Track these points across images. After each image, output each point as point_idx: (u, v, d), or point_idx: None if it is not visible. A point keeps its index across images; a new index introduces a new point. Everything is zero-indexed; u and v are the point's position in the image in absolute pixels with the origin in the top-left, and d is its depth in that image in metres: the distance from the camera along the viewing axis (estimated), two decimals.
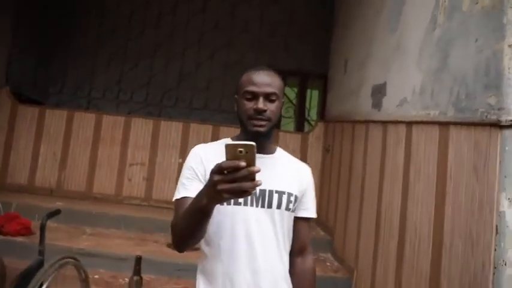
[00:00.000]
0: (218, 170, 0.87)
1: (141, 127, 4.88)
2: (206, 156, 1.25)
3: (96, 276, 3.26)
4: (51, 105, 5.32)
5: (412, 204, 2.36)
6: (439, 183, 2.08)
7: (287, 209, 1.26)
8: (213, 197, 0.91)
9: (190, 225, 1.06)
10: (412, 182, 2.38)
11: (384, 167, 2.84)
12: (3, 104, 4.91)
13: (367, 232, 3.04)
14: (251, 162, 0.85)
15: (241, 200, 1.20)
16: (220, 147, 1.19)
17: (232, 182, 0.85)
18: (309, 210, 1.36)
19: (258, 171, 0.86)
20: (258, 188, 1.16)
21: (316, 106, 6.11)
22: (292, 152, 4.58)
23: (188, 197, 1.17)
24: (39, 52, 5.41)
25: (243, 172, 0.85)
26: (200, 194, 0.97)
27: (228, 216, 1.22)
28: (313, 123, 5.74)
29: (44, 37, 5.46)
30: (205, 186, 0.94)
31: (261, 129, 1.21)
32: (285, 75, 6.02)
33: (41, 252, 2.12)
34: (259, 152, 1.21)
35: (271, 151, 1.32)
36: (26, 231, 3.53)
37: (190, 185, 1.21)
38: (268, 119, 1.22)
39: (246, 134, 1.24)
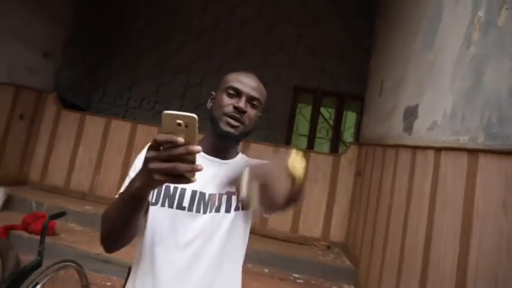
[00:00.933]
0: (153, 145, 0.73)
1: None
2: None
3: (109, 283, 3.26)
4: (91, 111, 5.56)
5: (436, 239, 2.12)
6: (465, 218, 1.84)
7: (236, 208, 1.11)
8: (144, 179, 0.75)
9: (119, 216, 0.90)
10: (438, 215, 2.14)
11: (410, 196, 2.61)
12: (49, 108, 5.21)
13: (390, 265, 2.79)
14: (191, 140, 0.71)
15: (185, 203, 1.06)
16: None
17: (167, 161, 0.71)
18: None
19: (198, 151, 0.72)
20: (207, 192, 1.09)
21: (353, 127, 5.88)
22: (323, 175, 4.44)
23: None
24: (86, 63, 5.72)
25: (180, 150, 0.70)
26: (134, 177, 0.82)
27: (166, 221, 1.06)
28: (348, 145, 5.52)
29: (92, 49, 5.78)
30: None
31: (233, 130, 1.11)
32: (322, 95, 5.91)
33: (40, 253, 2.13)
34: (219, 157, 1.16)
35: (231, 156, 1.22)
36: (51, 231, 3.62)
37: None
38: (243, 123, 1.12)
39: (214, 134, 1.15)
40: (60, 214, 2.22)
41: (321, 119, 5.83)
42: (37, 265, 2.02)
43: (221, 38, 5.22)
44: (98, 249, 3.67)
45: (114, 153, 5.03)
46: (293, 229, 4.66)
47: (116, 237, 0.96)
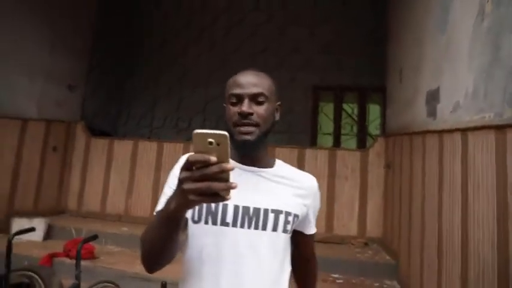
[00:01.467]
0: (186, 165, 0.72)
1: None
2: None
3: None
4: (118, 136, 5.73)
5: (472, 224, 2.02)
6: (500, 197, 1.76)
7: (284, 231, 1.07)
8: (180, 200, 0.75)
9: (158, 237, 0.89)
10: (472, 198, 2.05)
11: (442, 182, 2.51)
12: (79, 137, 5.41)
13: (430, 256, 2.68)
14: (224, 158, 0.70)
15: (229, 219, 1.03)
16: None
17: (200, 181, 0.70)
18: (312, 227, 1.21)
19: (231, 169, 0.71)
20: (251, 206, 1.04)
21: (379, 119, 5.75)
22: (352, 171, 4.36)
23: None
24: (108, 89, 5.91)
25: (213, 168, 0.69)
26: (169, 199, 0.81)
27: (211, 238, 1.03)
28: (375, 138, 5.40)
29: (112, 74, 5.97)
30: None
31: (248, 137, 1.02)
32: (342, 91, 5.83)
33: (77, 277, 2.20)
34: (253, 165, 1.09)
35: (267, 164, 1.12)
36: (90, 255, 3.74)
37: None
38: (256, 124, 1.03)
39: (234, 145, 1.06)
40: (93, 237, 2.29)
41: (344, 115, 5.75)
42: None
43: (234, 47, 5.27)
44: (136, 268, 3.75)
45: (144, 173, 5.14)
46: (328, 229, 4.59)
47: (156, 257, 0.96)
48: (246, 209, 1.04)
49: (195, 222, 1.05)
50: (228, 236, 1.03)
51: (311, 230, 1.20)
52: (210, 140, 0.69)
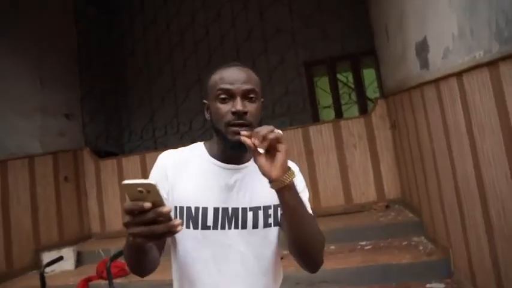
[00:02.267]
0: (125, 211, 0.73)
1: None
2: (173, 174, 1.07)
3: None
4: (125, 153, 5.78)
5: (485, 166, 2.03)
6: (506, 134, 1.75)
7: (266, 225, 1.04)
8: (133, 240, 0.77)
9: (132, 258, 0.93)
10: (479, 141, 2.05)
11: (447, 131, 2.51)
12: (87, 163, 5.47)
13: (450, 205, 2.69)
14: (158, 202, 0.71)
15: (210, 223, 1.02)
16: (190, 155, 1.10)
17: (143, 225, 0.72)
18: None
19: (168, 211, 0.72)
20: (230, 207, 1.03)
21: (375, 82, 5.71)
22: (359, 139, 4.36)
23: None
24: (105, 112, 5.95)
25: (149, 215, 0.71)
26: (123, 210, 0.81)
27: (195, 243, 1.02)
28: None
29: (106, 98, 6.01)
30: None
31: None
32: (334, 62, 5.78)
33: None
34: (235, 163, 1.06)
35: (246, 159, 1.08)
36: (123, 272, 3.81)
37: None
38: (250, 124, 0.98)
39: (225, 145, 1.03)
40: (119, 254, 2.34)
41: (340, 85, 5.72)
42: None
43: (217, 41, 5.25)
44: (170, 275, 3.82)
45: None
46: (347, 200, 4.61)
47: (139, 268, 0.98)
48: (225, 210, 1.03)
49: None
50: (210, 239, 1.02)
51: None
52: (139, 189, 0.70)
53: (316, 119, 5.88)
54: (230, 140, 0.98)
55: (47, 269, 4.53)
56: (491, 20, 1.71)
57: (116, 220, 5.33)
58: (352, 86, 5.84)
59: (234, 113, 0.97)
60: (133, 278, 3.80)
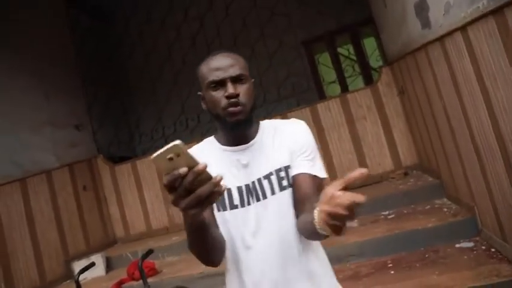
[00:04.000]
0: (167, 188, 0.73)
1: None
2: None
3: None
4: (138, 156, 5.83)
5: (501, 116, 1.99)
6: None
7: (282, 188, 1.07)
8: (186, 216, 0.80)
9: (195, 242, 0.97)
10: (492, 91, 2.01)
11: (458, 87, 2.46)
12: (103, 170, 5.54)
13: (470, 161, 2.66)
14: (192, 162, 0.70)
15: (236, 202, 1.07)
16: (203, 147, 1.18)
17: (187, 194, 0.71)
18: (298, 166, 1.09)
19: (205, 167, 0.71)
20: (249, 182, 1.08)
21: (377, 51, 5.63)
22: (368, 110, 4.32)
23: None
24: (112, 117, 6.00)
25: (188, 178, 0.70)
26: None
27: (228, 224, 1.08)
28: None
29: (112, 104, 6.05)
30: None
31: (240, 116, 1.04)
32: (333, 36, 5.70)
33: None
34: (242, 143, 1.11)
35: (252, 136, 1.13)
36: (153, 272, 3.88)
37: None
38: (244, 104, 1.04)
39: (226, 128, 1.09)
40: (148, 253, 2.38)
41: (342, 59, 5.65)
42: None
43: (214, 33, 5.22)
44: (200, 268, 3.87)
45: None
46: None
47: (208, 256, 1.02)
48: (247, 186, 1.08)
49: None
50: (239, 217, 1.07)
51: (299, 167, 1.09)
52: (169, 156, 0.69)
53: (322, 96, 5.83)
54: (229, 122, 1.05)
55: (79, 278, 4.67)
56: None
57: (138, 222, 5.41)
58: (354, 58, 5.76)
59: (227, 97, 1.03)
60: (164, 276, 3.87)
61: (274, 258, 1.06)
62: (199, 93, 1.13)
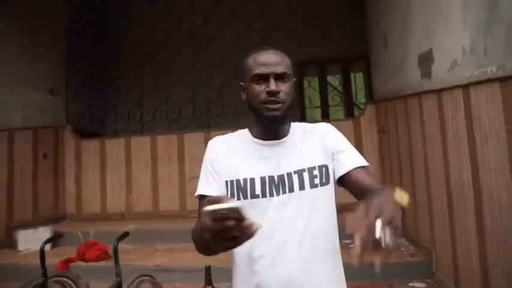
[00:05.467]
0: (208, 230, 0.73)
1: (193, 141, 5.01)
2: (221, 149, 1.18)
3: None
4: (109, 135, 5.65)
5: (484, 173, 2.17)
6: (511, 143, 1.89)
7: (313, 186, 1.10)
8: (211, 247, 0.81)
9: (204, 247, 0.95)
10: (480, 149, 2.19)
11: (445, 139, 2.65)
12: (68, 142, 5.31)
13: (439, 210, 2.84)
14: (241, 218, 0.71)
15: (258, 191, 1.10)
16: (236, 139, 1.21)
17: (225, 240, 0.73)
18: (346, 163, 1.13)
19: (250, 226, 0.73)
20: (275, 175, 1.12)
21: (363, 89, 5.88)
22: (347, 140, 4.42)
23: (205, 195, 1.12)
24: (91, 89, 5.80)
25: (233, 233, 0.72)
26: (201, 230, 0.80)
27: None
28: (362, 106, 5.54)
29: (94, 75, 5.85)
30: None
31: (277, 113, 1.09)
32: (325, 63, 5.89)
33: (118, 274, 2.24)
34: (274, 138, 1.16)
35: (284, 134, 1.18)
36: (106, 255, 3.75)
37: (206, 182, 1.15)
38: (283, 101, 1.10)
39: (261, 122, 1.14)
40: (124, 235, 2.32)
41: (330, 88, 5.85)
42: (118, 285, 2.12)
43: (215, 32, 5.23)
44: (155, 261, 3.80)
45: (141, 169, 5.12)
46: None
47: (209, 254, 1.01)
48: (271, 178, 1.11)
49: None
50: (261, 207, 1.09)
51: (348, 164, 1.13)
52: (224, 212, 0.70)
53: (303, 117, 5.97)
54: (266, 116, 1.10)
55: (20, 247, 4.41)
56: (508, 39, 1.83)
57: (93, 203, 5.21)
58: (340, 89, 5.98)
59: (268, 92, 1.08)
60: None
61: (295, 250, 1.07)
62: (241, 83, 1.17)
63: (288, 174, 1.11)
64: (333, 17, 5.06)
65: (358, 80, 5.93)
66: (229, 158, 1.16)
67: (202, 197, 1.14)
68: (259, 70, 1.09)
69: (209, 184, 1.14)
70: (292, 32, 5.10)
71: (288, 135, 1.18)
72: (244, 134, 1.22)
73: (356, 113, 5.75)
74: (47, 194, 5.01)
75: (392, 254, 0.75)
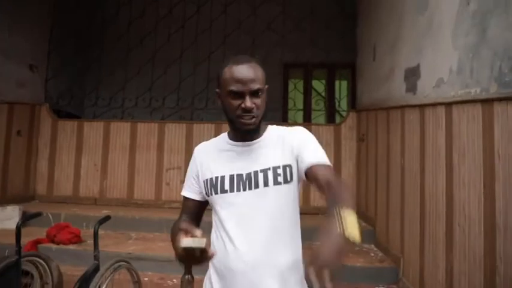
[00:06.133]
0: (180, 258, 1.03)
1: (174, 132, 4.98)
2: (200, 159, 1.32)
3: (146, 279, 3.37)
4: (88, 117, 5.53)
5: (458, 187, 2.29)
6: (487, 163, 2.01)
7: (276, 183, 1.20)
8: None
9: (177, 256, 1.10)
10: (457, 165, 2.31)
11: (424, 152, 2.77)
12: (44, 121, 5.16)
13: (411, 219, 2.98)
14: (205, 250, 0.99)
15: (227, 187, 1.23)
16: (216, 142, 1.35)
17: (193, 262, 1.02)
18: (305, 160, 1.20)
19: (212, 255, 1.03)
20: (243, 172, 1.24)
21: (347, 96, 6.02)
22: (326, 145, 4.54)
23: (187, 197, 1.32)
24: (73, 69, 5.66)
25: (200, 260, 1.00)
26: (176, 251, 1.04)
27: (218, 206, 1.24)
28: (344, 113, 5.67)
29: (77, 54, 5.71)
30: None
31: (251, 126, 1.20)
32: (312, 67, 5.98)
33: (96, 257, 2.21)
34: (248, 140, 1.27)
35: (257, 136, 1.27)
36: (77, 239, 3.69)
37: (187, 186, 1.33)
38: (256, 116, 1.20)
39: (236, 131, 1.26)
40: (106, 218, 2.30)
41: (314, 93, 5.95)
42: (96, 269, 2.10)
43: (206, 25, 5.21)
44: (127, 248, 3.78)
45: (118, 154, 5.05)
46: (305, 201, 4.80)
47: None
48: (239, 176, 1.23)
49: (207, 195, 1.28)
50: (229, 201, 1.23)
51: (307, 161, 1.19)
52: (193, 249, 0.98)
53: (285, 119, 6.05)
54: (240, 129, 1.22)
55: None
56: (494, 65, 1.95)
57: (65, 185, 5.09)
58: (323, 95, 6.09)
59: (243, 109, 1.18)
60: (89, 247, 3.67)
61: (258, 239, 1.19)
62: (217, 90, 1.25)
63: (254, 172, 1.22)
64: (323, 23, 5.14)
65: (342, 87, 6.06)
66: (207, 160, 1.30)
67: (185, 197, 1.34)
68: (235, 87, 1.17)
69: (190, 188, 1.32)
70: (282, 34, 5.15)
71: (261, 137, 1.28)
72: (223, 137, 1.34)
73: (337, 119, 5.88)
74: (17, 172, 4.86)
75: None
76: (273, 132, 1.30)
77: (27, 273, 2.44)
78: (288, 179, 1.21)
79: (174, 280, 3.37)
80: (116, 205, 4.91)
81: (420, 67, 2.89)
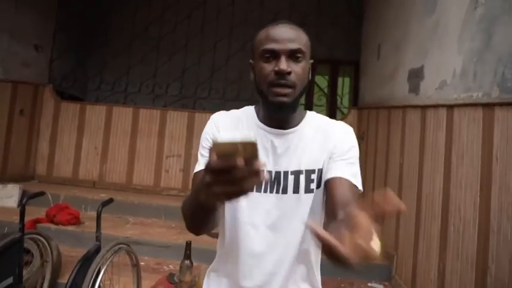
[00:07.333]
0: (211, 170, 0.58)
1: (176, 119, 5.01)
2: (224, 124, 1.06)
3: (142, 263, 3.40)
4: (90, 101, 5.55)
5: (455, 188, 2.34)
6: (485, 166, 2.05)
7: (308, 191, 1.00)
8: (209, 198, 0.62)
9: (194, 217, 0.91)
10: (455, 166, 2.36)
11: (423, 152, 2.81)
12: (47, 102, 5.17)
13: (406, 218, 3.03)
14: (253, 156, 0.57)
15: None
16: (241, 116, 1.08)
17: (229, 184, 0.57)
18: (333, 171, 0.98)
19: (264, 166, 0.59)
20: (273, 171, 1.00)
21: (348, 93, 6.05)
22: None
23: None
24: (78, 52, 5.66)
25: (241, 173, 0.56)
26: (198, 188, 0.73)
27: (231, 204, 1.00)
28: (345, 111, 5.71)
29: (83, 37, 5.71)
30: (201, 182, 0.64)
31: (285, 99, 0.94)
32: (315, 63, 5.99)
33: (98, 238, 2.26)
34: (280, 127, 1.02)
35: (293, 124, 1.03)
36: (76, 220, 3.73)
37: (204, 160, 0.97)
38: (293, 86, 0.94)
39: (267, 107, 1.00)
40: (109, 201, 2.34)
41: (316, 89, 5.97)
42: (97, 250, 2.15)
43: (212, 16, 5.22)
44: (125, 232, 3.82)
45: (119, 139, 5.08)
46: None
47: (198, 228, 0.97)
48: (269, 173, 1.00)
49: None
50: (254, 201, 0.99)
51: (333, 172, 0.98)
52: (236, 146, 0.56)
53: None
54: (271, 101, 0.95)
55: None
56: (497, 70, 1.98)
57: (65, 167, 5.13)
58: (325, 91, 6.11)
59: (276, 73, 0.93)
60: (87, 229, 3.72)
61: (283, 255, 1.02)
62: (250, 61, 1.03)
63: (284, 173, 1.01)
64: (329, 19, 5.16)
65: (345, 84, 6.09)
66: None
67: (197, 175, 1.02)
68: (269, 45, 0.94)
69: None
70: None
71: (298, 127, 1.04)
72: (250, 113, 1.08)
73: (338, 116, 5.91)
74: (18, 151, 4.89)
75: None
76: (312, 122, 1.07)
77: (28, 252, 2.48)
78: (320, 185, 1.01)
79: (171, 266, 3.42)
80: (114, 189, 4.94)
81: (424, 68, 2.93)
